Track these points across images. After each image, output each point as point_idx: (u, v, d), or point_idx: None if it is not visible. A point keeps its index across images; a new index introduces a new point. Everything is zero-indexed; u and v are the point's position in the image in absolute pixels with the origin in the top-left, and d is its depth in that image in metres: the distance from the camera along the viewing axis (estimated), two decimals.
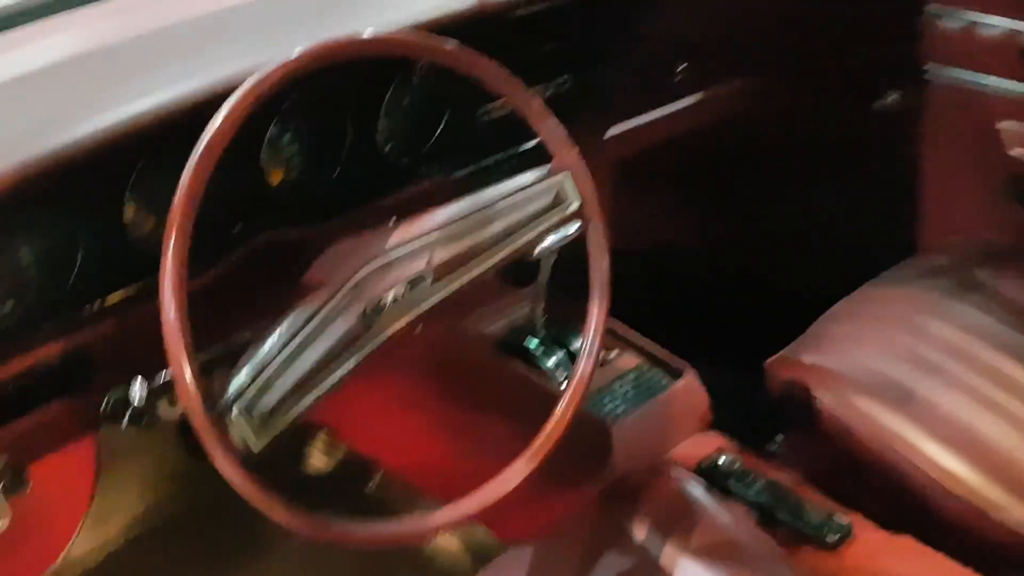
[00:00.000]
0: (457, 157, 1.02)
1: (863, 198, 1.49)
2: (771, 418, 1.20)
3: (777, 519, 1.00)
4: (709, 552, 0.89)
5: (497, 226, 0.77)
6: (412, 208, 0.80)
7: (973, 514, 1.00)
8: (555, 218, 0.79)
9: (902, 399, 1.10)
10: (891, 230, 1.50)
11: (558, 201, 0.79)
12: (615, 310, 0.86)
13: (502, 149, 1.07)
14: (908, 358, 1.16)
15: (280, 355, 0.67)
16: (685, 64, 1.34)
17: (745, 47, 1.39)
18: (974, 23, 1.37)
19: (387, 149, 0.93)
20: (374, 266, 0.74)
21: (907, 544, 0.99)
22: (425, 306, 0.75)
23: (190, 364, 0.63)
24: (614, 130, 1.28)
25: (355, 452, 1.46)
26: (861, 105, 1.52)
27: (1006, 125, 1.36)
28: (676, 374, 1.13)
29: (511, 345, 1.17)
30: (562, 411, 0.80)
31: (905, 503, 1.04)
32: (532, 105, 0.79)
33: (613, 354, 1.17)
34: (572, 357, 1.12)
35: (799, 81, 1.49)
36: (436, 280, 0.75)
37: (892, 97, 1.51)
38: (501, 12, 0.91)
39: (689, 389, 1.12)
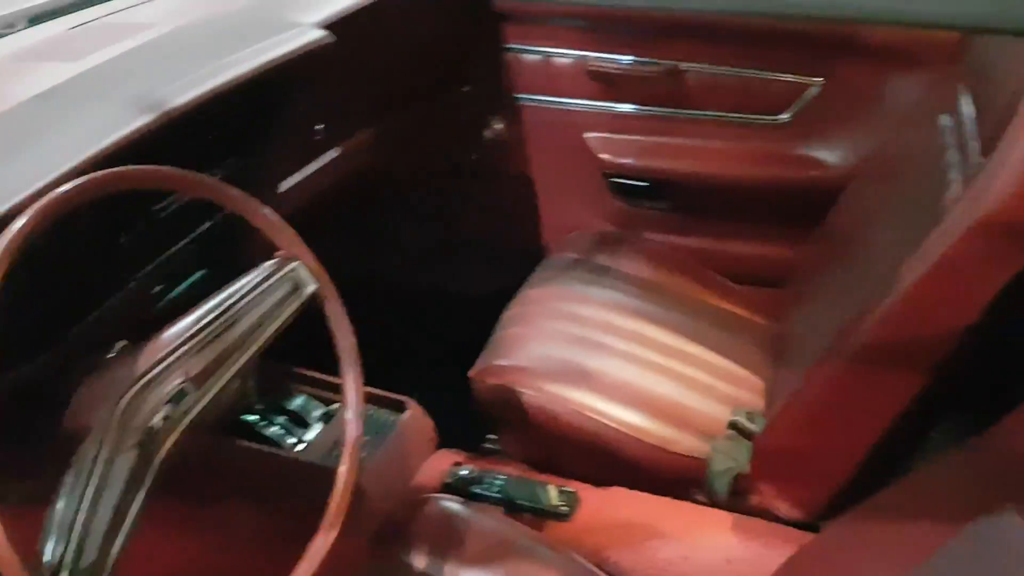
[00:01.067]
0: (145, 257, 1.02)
1: (497, 213, 1.72)
2: (483, 421, 1.36)
3: (520, 507, 1.16)
4: (484, 558, 1.01)
5: (243, 325, 0.81)
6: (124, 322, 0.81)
7: (657, 453, 1.25)
8: (296, 304, 0.85)
9: (580, 376, 1.32)
10: (526, 236, 1.75)
11: (295, 288, 0.85)
12: (323, 363, 0.93)
13: (183, 236, 1.09)
14: (574, 342, 1.39)
15: (80, 512, 0.65)
16: (323, 125, 1.45)
17: (368, 103, 1.53)
18: (549, 55, 1.66)
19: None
20: (131, 394, 0.74)
21: (619, 494, 1.20)
22: (195, 414, 0.77)
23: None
24: (283, 186, 1.35)
25: None
26: (473, 134, 1.74)
27: (590, 135, 1.67)
28: (400, 408, 1.23)
29: (229, 427, 1.18)
30: (346, 474, 0.86)
31: (607, 460, 1.25)
32: (250, 206, 0.84)
33: (336, 406, 1.24)
34: (297, 419, 1.17)
35: (419, 122, 1.67)
36: (198, 388, 0.77)
37: (496, 125, 1.75)
38: (175, 117, 0.94)
39: (415, 419, 1.22)
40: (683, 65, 1.57)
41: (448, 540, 1.04)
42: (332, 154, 1.49)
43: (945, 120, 1.24)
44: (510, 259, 1.64)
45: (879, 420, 1.13)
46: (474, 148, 1.74)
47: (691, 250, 1.66)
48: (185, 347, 0.77)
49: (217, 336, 0.79)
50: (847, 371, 1.11)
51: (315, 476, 1.10)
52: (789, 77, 1.55)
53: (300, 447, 1.14)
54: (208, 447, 1.17)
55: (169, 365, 0.76)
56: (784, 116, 1.56)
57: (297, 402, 1.20)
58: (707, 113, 1.60)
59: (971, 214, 1.00)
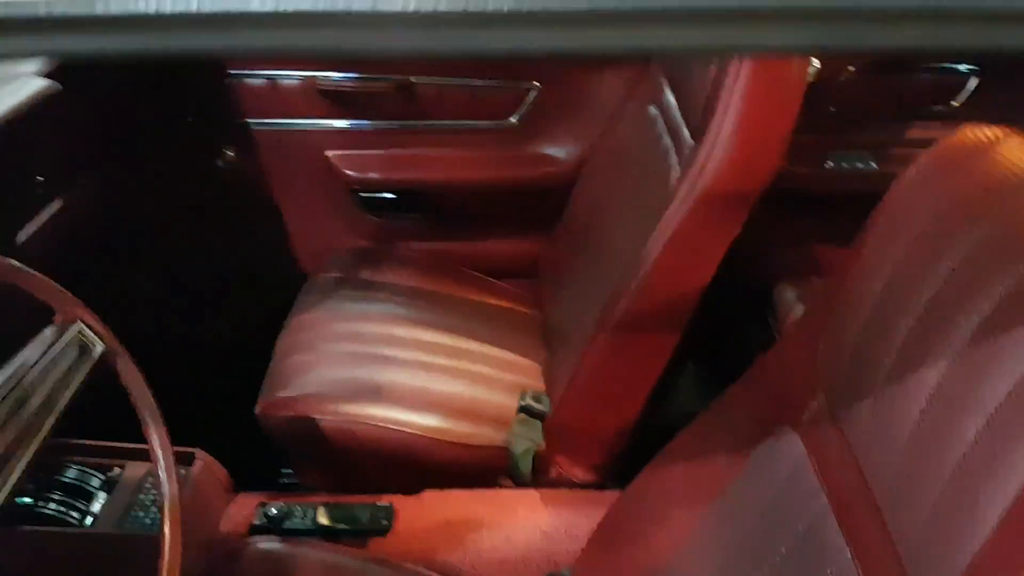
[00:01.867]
0: None
1: (248, 244, 1.67)
2: (278, 456, 1.32)
3: (338, 531, 1.15)
4: None
5: (36, 401, 0.74)
6: None
7: (460, 450, 1.30)
8: (86, 367, 0.79)
9: (370, 392, 1.34)
10: (283, 263, 1.72)
11: (83, 351, 0.79)
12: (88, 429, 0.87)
13: None
14: (356, 360, 1.40)
15: None
16: (43, 179, 1.33)
17: (88, 148, 1.42)
18: (274, 78, 1.63)
19: None
20: None
21: (433, 497, 1.23)
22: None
23: None
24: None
25: None
26: (206, 166, 1.68)
27: (333, 153, 1.67)
28: (188, 460, 1.17)
29: (9, 515, 1.06)
30: (170, 536, 0.82)
31: (414, 468, 1.28)
32: (18, 273, 0.76)
33: (116, 471, 1.15)
34: (75, 492, 1.08)
35: (146, 161, 1.58)
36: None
37: (229, 153, 1.70)
38: None
39: (206, 469, 1.16)
40: (413, 79, 1.62)
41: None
42: (56, 205, 1.37)
43: (653, 111, 1.40)
44: (270, 288, 1.60)
45: (647, 380, 1.26)
46: (210, 181, 1.68)
47: (449, 254, 1.73)
48: None
49: (9, 418, 0.72)
50: (614, 342, 1.23)
51: (116, 547, 1.02)
52: (511, 84, 1.65)
53: (89, 520, 1.05)
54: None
55: None
56: (512, 120, 1.67)
57: (71, 474, 1.09)
58: (442, 123, 1.66)
59: (693, 191, 1.15)
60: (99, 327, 0.81)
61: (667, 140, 1.31)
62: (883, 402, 0.65)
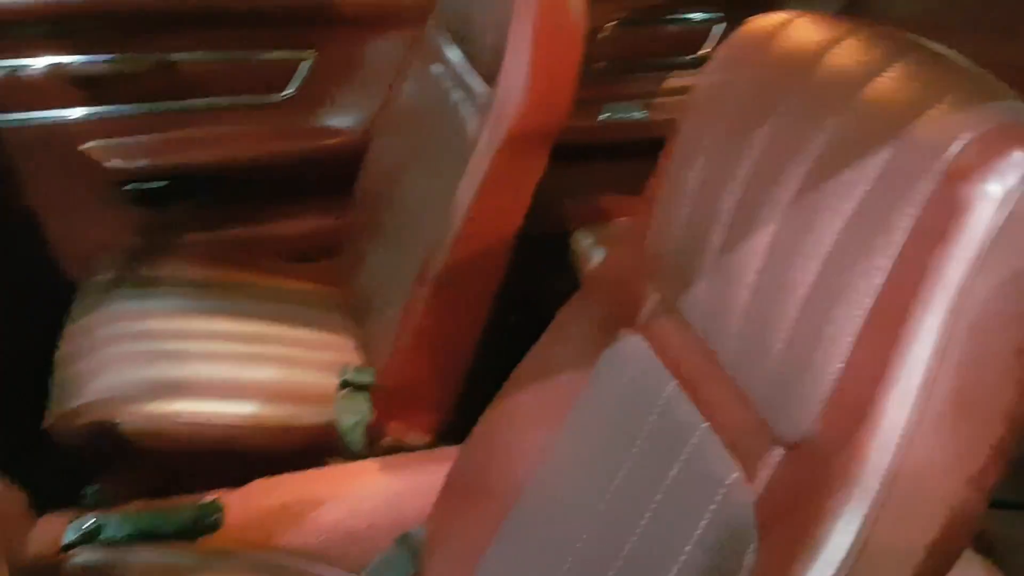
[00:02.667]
0: None
1: (18, 254, 1.48)
2: (79, 472, 1.18)
3: (163, 534, 1.05)
4: None
5: None
6: None
7: (283, 433, 1.23)
8: None
9: (173, 388, 1.23)
10: (48, 271, 1.53)
11: None
12: None
13: None
14: (150, 358, 1.28)
15: None
16: None
17: None
18: (14, 68, 1.46)
19: None
20: None
21: (262, 485, 1.14)
22: None
23: None
24: None
25: None
26: None
27: (91, 145, 1.51)
28: None
29: None
30: None
31: (235, 459, 1.19)
32: None
33: None
34: None
35: None
36: None
37: None
38: None
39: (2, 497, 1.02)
40: (173, 56, 1.51)
41: None
42: None
43: (437, 67, 1.40)
44: (39, 303, 1.43)
45: (472, 331, 1.26)
46: None
47: (236, 241, 1.63)
48: None
49: None
50: (436, 297, 1.22)
51: None
52: (282, 54, 1.58)
53: None
54: None
55: None
56: (288, 91, 1.60)
57: None
58: (213, 100, 1.56)
59: (497, 133, 1.16)
60: None
61: (457, 93, 1.31)
62: (719, 275, 0.68)
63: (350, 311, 1.48)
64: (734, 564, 0.60)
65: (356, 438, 1.25)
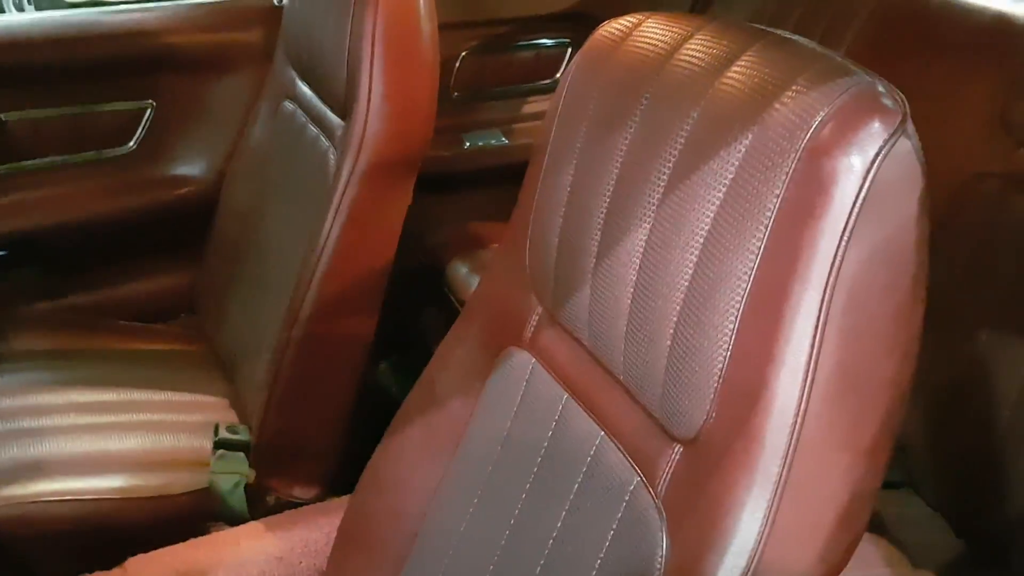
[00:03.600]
0: None
1: None
2: None
3: None
4: None
5: None
6: None
7: (158, 503, 1.14)
8: None
9: (31, 468, 1.13)
10: None
11: None
12: None
13: None
14: (10, 438, 1.17)
15: None
16: None
17: None
18: None
19: None
20: None
21: (139, 563, 1.05)
22: None
23: None
24: None
25: None
26: None
27: None
28: None
29: None
30: None
31: (108, 536, 1.10)
32: None
33: None
34: None
35: None
36: None
37: None
38: None
39: None
40: (4, 116, 1.40)
41: None
42: None
43: (289, 105, 1.36)
44: None
45: (352, 371, 1.22)
46: None
47: (87, 305, 1.52)
48: None
49: None
50: (309, 341, 1.17)
51: None
52: (120, 106, 1.50)
53: None
54: None
55: None
56: (130, 144, 1.52)
57: None
58: (52, 159, 1.46)
59: (359, 166, 1.13)
60: None
61: (312, 128, 1.27)
62: (599, 282, 0.67)
63: (217, 368, 1.40)
64: (648, 568, 0.58)
65: (237, 501, 1.18)
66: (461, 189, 1.66)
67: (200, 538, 1.11)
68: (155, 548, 1.09)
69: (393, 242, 1.17)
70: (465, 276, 1.53)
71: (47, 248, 1.48)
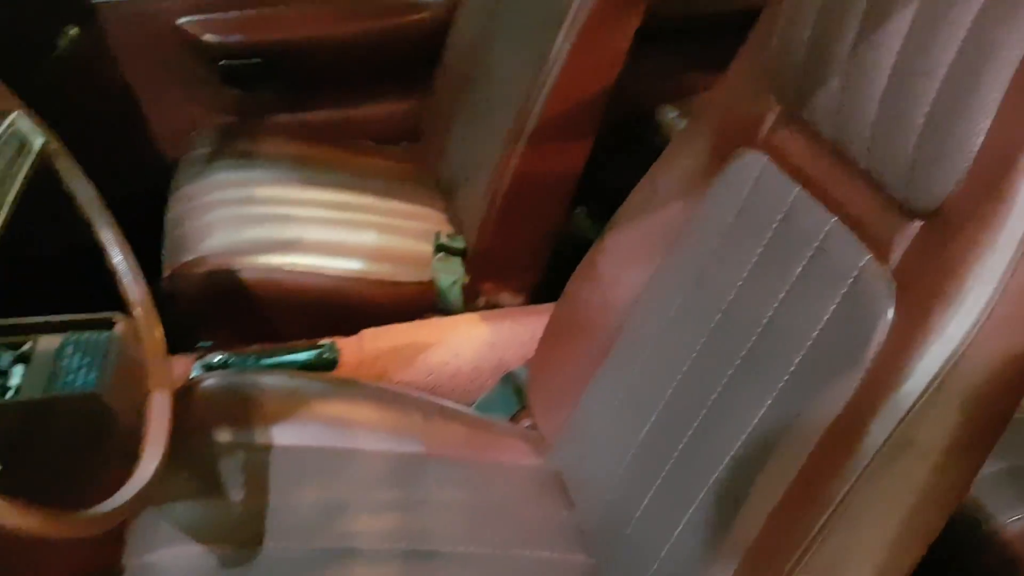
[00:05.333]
0: None
1: (103, 128, 1.53)
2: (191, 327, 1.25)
3: (285, 365, 1.12)
4: (284, 410, 0.97)
5: None
6: None
7: (388, 288, 1.28)
8: (28, 162, 0.71)
9: (284, 245, 1.29)
10: (142, 148, 1.60)
11: (22, 145, 0.71)
12: None
13: None
14: (258, 220, 1.34)
15: None
16: None
17: None
18: None
19: None
20: None
21: (371, 333, 1.20)
22: None
23: None
24: None
25: None
26: (44, 47, 1.52)
27: (187, 20, 1.55)
28: (108, 325, 1.09)
29: None
30: (153, 332, 0.76)
31: (344, 311, 1.25)
32: None
33: (27, 345, 1.05)
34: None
35: None
36: None
37: (71, 31, 1.54)
38: None
39: (130, 330, 1.09)
40: None
41: (239, 409, 0.97)
42: None
43: None
44: (136, 176, 1.49)
45: (565, 187, 1.29)
46: (47, 64, 1.52)
47: (324, 122, 1.67)
48: None
49: None
50: (528, 155, 1.25)
51: (45, 411, 0.94)
52: None
53: (11, 394, 0.96)
54: None
55: None
56: None
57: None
58: None
59: None
60: (36, 119, 0.73)
61: None
62: (852, 72, 0.69)
63: (437, 188, 1.52)
64: (866, 330, 0.63)
65: (454, 296, 1.30)
66: (680, 39, 1.66)
67: (426, 320, 1.25)
68: (385, 324, 1.24)
69: (617, 63, 1.21)
70: (673, 120, 1.56)
71: (293, 62, 1.62)
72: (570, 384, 1.01)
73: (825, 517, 0.60)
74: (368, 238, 1.34)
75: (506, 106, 1.31)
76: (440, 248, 1.34)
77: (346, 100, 1.68)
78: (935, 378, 0.57)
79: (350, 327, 1.22)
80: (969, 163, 0.57)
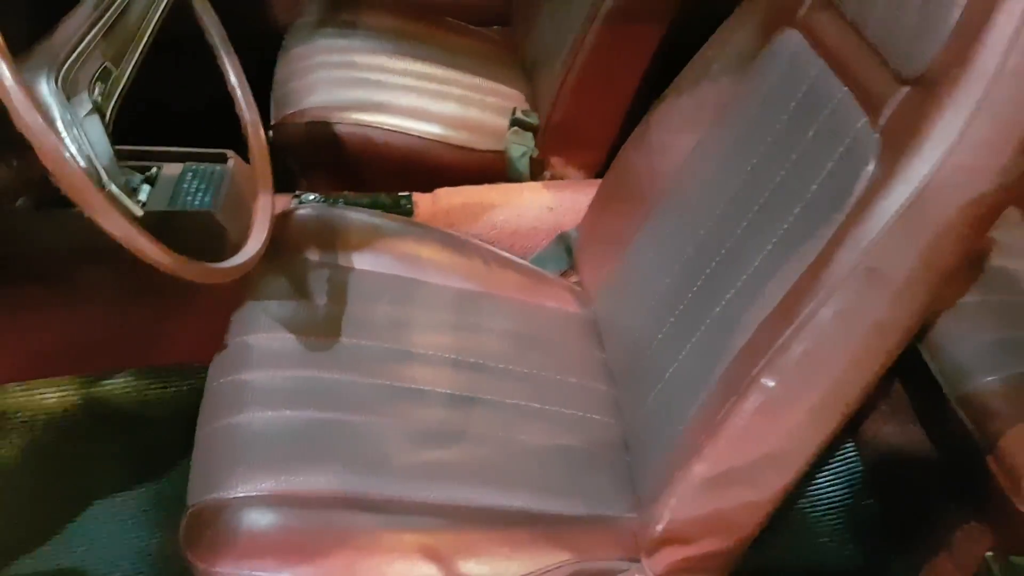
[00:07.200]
0: None
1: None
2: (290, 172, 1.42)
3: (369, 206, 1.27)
4: (366, 240, 1.13)
5: (137, 6, 0.82)
6: None
7: (464, 153, 1.43)
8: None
9: (376, 106, 1.44)
10: (258, 18, 1.75)
11: None
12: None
13: None
14: (355, 83, 1.49)
15: None
16: None
17: None
18: None
19: None
20: (62, 74, 0.75)
21: (445, 190, 1.34)
22: (122, 89, 0.79)
23: None
24: None
25: None
26: None
27: None
28: (222, 159, 1.25)
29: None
30: (255, 125, 0.92)
31: (424, 168, 1.40)
32: None
33: (153, 170, 1.22)
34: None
35: None
36: (117, 67, 0.79)
37: None
38: None
39: (241, 165, 1.26)
40: None
41: (327, 236, 1.13)
42: None
43: None
44: (254, 36, 1.64)
45: (633, 73, 1.39)
46: None
47: (426, 1, 1.79)
48: (92, 32, 0.77)
49: (116, 20, 0.80)
50: (602, 38, 1.35)
51: (169, 222, 1.11)
52: None
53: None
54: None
55: (83, 50, 0.76)
56: None
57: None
58: None
59: None
60: None
61: None
62: None
63: (520, 69, 1.63)
64: (851, 181, 0.74)
65: (523, 166, 1.43)
66: None
67: (495, 184, 1.39)
68: (459, 185, 1.38)
69: None
70: None
71: None
72: (614, 243, 1.14)
73: (792, 328, 0.72)
74: (450, 108, 1.48)
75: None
76: (514, 122, 1.47)
77: None
78: (895, 215, 0.67)
79: (428, 185, 1.37)
80: (948, 34, 0.66)
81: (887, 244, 0.68)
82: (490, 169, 1.43)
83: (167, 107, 1.57)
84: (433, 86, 1.52)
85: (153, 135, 1.26)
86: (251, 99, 0.95)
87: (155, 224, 1.13)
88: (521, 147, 1.43)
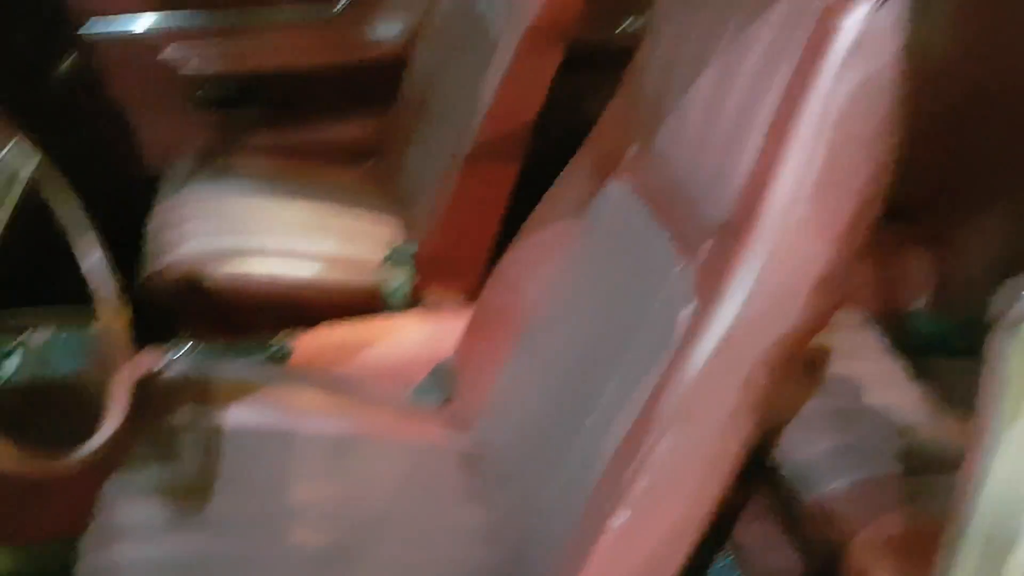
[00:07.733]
0: None
1: (108, 144, 1.72)
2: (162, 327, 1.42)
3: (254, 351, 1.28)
4: (240, 394, 1.14)
5: None
6: None
7: (340, 291, 1.46)
8: (18, 190, 0.88)
9: (251, 252, 1.47)
10: (131, 167, 1.77)
11: (14, 174, 0.88)
12: None
13: None
14: (229, 230, 1.52)
15: None
16: None
17: None
18: None
19: None
20: None
21: (323, 329, 1.37)
22: None
23: None
24: None
25: None
26: (42, 75, 1.70)
27: (169, 52, 1.73)
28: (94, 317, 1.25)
29: None
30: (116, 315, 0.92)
31: (300, 311, 1.41)
32: None
33: (26, 334, 1.20)
34: None
35: None
36: None
37: (70, 58, 1.72)
38: None
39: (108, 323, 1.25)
40: None
41: (199, 393, 1.14)
42: None
43: None
44: (128, 185, 1.66)
45: (497, 203, 1.46)
46: (46, 87, 1.70)
47: (294, 143, 1.84)
48: None
49: None
50: (468, 174, 1.42)
51: (29, 395, 1.10)
52: None
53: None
54: None
55: None
56: (340, 5, 1.80)
57: None
58: (276, 11, 1.77)
59: (515, 34, 1.34)
60: (30, 143, 0.89)
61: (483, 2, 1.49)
62: (679, 118, 0.86)
63: (395, 200, 1.69)
64: (675, 318, 0.80)
65: (399, 299, 1.47)
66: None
67: (373, 319, 1.42)
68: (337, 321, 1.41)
69: (538, 100, 1.37)
70: None
71: (267, 89, 1.80)
72: (487, 369, 1.18)
73: (635, 463, 0.76)
74: (327, 245, 1.52)
75: (452, 129, 1.48)
76: (391, 255, 1.51)
77: (315, 123, 1.86)
78: (712, 354, 0.73)
79: (308, 324, 1.39)
80: (741, 184, 0.74)
81: (707, 383, 0.74)
82: (368, 303, 1.46)
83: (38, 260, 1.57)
84: (309, 224, 1.56)
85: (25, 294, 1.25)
86: (109, 277, 0.97)
87: (23, 396, 1.13)
88: (397, 279, 1.48)
